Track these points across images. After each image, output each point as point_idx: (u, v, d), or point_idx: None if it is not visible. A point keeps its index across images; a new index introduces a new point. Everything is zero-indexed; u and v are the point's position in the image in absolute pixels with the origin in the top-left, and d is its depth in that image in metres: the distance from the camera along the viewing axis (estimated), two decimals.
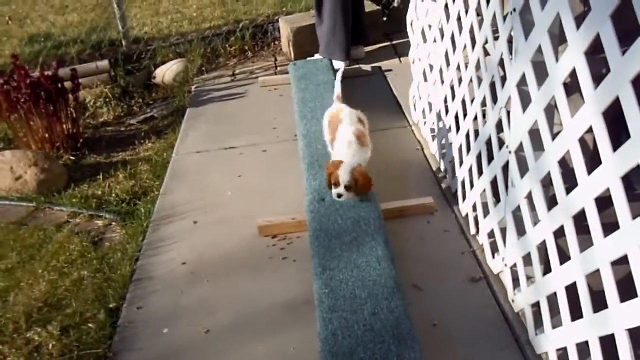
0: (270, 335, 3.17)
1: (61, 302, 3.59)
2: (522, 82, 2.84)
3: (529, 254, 2.91)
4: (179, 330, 3.28)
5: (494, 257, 3.46)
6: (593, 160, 2.23)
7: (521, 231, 3.02)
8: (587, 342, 2.39)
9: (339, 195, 3.58)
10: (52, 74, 5.42)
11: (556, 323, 2.68)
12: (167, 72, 6.96)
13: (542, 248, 2.79)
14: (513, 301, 3.20)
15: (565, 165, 2.59)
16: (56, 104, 5.42)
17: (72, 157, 5.54)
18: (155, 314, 3.42)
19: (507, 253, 3.22)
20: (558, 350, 2.70)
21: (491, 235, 3.48)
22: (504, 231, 3.27)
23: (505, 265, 3.26)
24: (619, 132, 2.11)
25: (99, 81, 6.77)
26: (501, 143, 3.23)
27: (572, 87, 2.47)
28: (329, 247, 3.38)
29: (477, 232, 3.73)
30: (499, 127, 3.25)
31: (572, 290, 2.49)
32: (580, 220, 2.38)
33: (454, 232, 3.88)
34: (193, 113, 6.01)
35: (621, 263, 2.10)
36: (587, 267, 2.33)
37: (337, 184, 3.57)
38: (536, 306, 2.91)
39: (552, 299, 2.72)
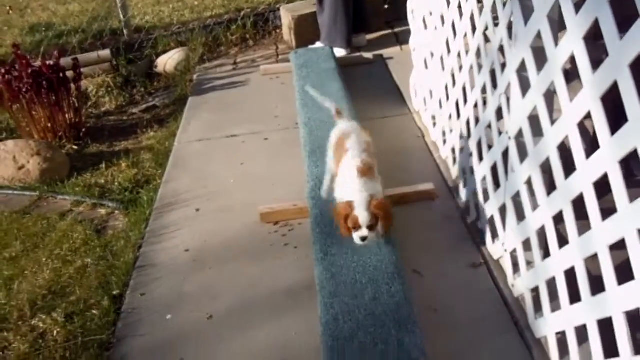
0: (272, 320, 3.20)
1: (65, 290, 3.62)
2: (522, 68, 2.85)
3: (529, 239, 2.93)
4: (182, 316, 3.32)
5: (493, 242, 3.48)
6: (592, 147, 2.24)
7: (521, 216, 3.04)
8: (585, 326, 2.41)
9: (363, 239, 3.09)
10: (53, 63, 5.43)
11: (555, 307, 2.70)
12: (168, 61, 6.97)
13: (542, 233, 2.81)
14: (513, 286, 3.22)
15: (564, 153, 2.60)
16: (58, 93, 5.44)
17: (74, 146, 5.56)
18: (159, 300, 3.46)
19: (506, 238, 3.24)
20: (557, 334, 2.73)
21: (491, 221, 3.50)
22: (504, 217, 3.29)
23: (505, 251, 3.28)
24: (619, 123, 2.12)
25: (101, 70, 6.79)
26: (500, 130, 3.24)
27: (572, 74, 2.48)
28: (330, 233, 3.40)
29: (477, 218, 3.74)
30: (499, 114, 3.26)
31: (570, 274, 2.51)
32: (579, 206, 2.40)
33: (454, 218, 3.90)
34: (195, 102, 6.02)
35: (619, 248, 2.13)
36: (586, 251, 2.35)
37: (357, 226, 3.07)
38: (535, 291, 2.93)
39: (551, 284, 2.74)
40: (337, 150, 3.49)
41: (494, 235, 3.48)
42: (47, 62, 5.40)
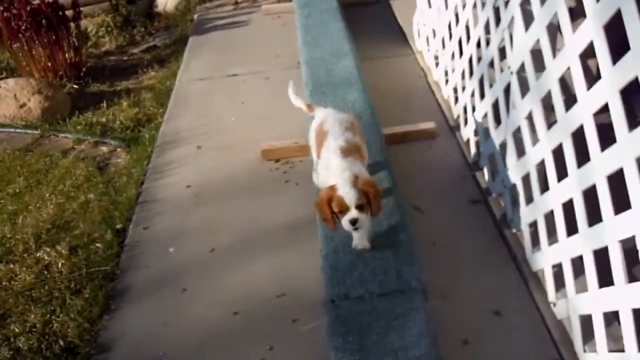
0: (273, 253, 3.25)
1: (69, 224, 3.66)
2: (525, 1, 2.82)
3: (528, 174, 2.95)
4: (185, 248, 3.37)
5: (494, 180, 3.50)
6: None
7: (521, 152, 3.05)
8: (581, 259, 2.44)
9: (354, 222, 2.62)
10: (52, 1, 5.37)
11: (552, 242, 2.74)
12: (169, 0, 6.87)
13: (541, 170, 2.82)
14: (511, 221, 3.25)
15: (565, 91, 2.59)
16: (57, 32, 5.40)
17: (75, 86, 5.54)
18: (161, 233, 3.51)
19: (506, 174, 3.26)
20: (553, 266, 2.77)
21: (491, 158, 3.51)
22: (504, 154, 3.30)
23: (505, 187, 3.30)
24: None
25: (100, 10, 6.72)
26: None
27: (576, 12, 2.45)
28: None
29: (478, 156, 3.76)
30: (502, 51, 3.24)
31: (568, 208, 2.54)
32: (578, 139, 2.41)
33: (455, 156, 3.92)
34: (195, 41, 5.98)
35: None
36: (584, 182, 2.37)
37: (343, 209, 2.62)
38: (533, 225, 2.96)
39: (549, 219, 2.77)
40: (318, 136, 3.09)
41: (494, 172, 3.49)
42: (46, 0, 5.33)
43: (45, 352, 2.81)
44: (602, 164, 2.20)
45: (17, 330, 2.94)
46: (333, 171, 2.75)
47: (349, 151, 2.82)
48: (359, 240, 2.83)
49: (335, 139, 2.88)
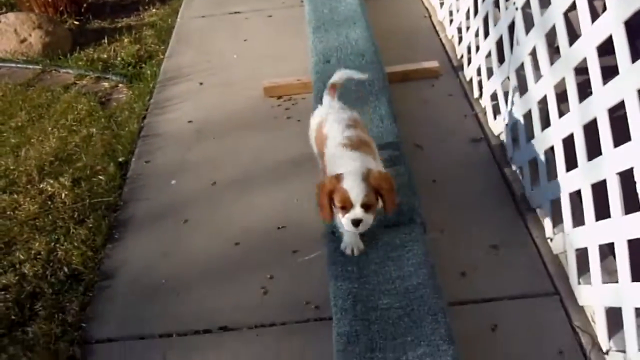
0: (274, 187, 3.28)
1: (71, 157, 3.69)
2: None
3: (530, 111, 2.95)
4: (186, 181, 3.40)
5: (495, 118, 3.50)
6: None
7: (523, 89, 3.04)
8: (579, 196, 2.46)
9: (356, 223, 2.25)
10: None
11: (551, 178, 2.76)
12: None
13: (543, 109, 2.82)
14: (511, 159, 3.27)
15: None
16: None
17: (75, 22, 5.49)
18: (163, 167, 3.53)
19: (508, 112, 3.26)
20: (552, 202, 2.79)
21: (493, 97, 3.51)
22: (506, 92, 3.29)
23: (506, 125, 3.31)
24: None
25: None
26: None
27: None
28: None
29: (480, 95, 3.75)
30: None
31: (568, 144, 2.55)
32: (581, 74, 2.40)
33: (457, 96, 3.91)
34: None
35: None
36: (585, 116, 2.37)
37: (346, 205, 2.24)
38: (533, 163, 2.98)
39: (549, 156, 2.79)
40: (318, 137, 2.79)
41: (496, 111, 3.49)
42: None
43: (50, 278, 2.87)
44: (603, 96, 2.20)
45: (22, 257, 2.99)
46: (341, 162, 2.37)
47: (355, 145, 2.46)
48: (353, 240, 2.52)
49: (336, 138, 2.53)
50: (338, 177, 2.24)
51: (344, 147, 2.42)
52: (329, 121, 2.67)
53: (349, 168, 2.27)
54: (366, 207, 2.22)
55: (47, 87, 4.50)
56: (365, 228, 2.29)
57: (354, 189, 2.20)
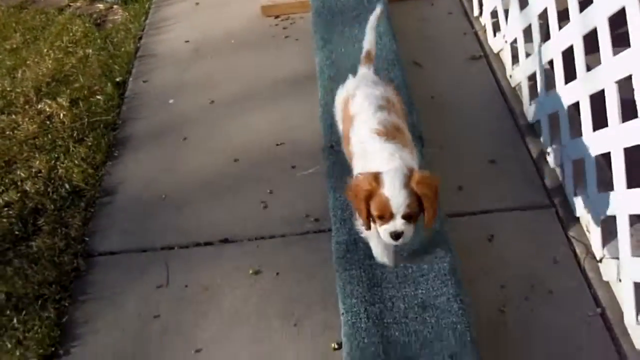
0: (273, 105, 3.28)
1: (68, 78, 3.67)
2: None
3: (530, 26, 2.91)
4: (184, 100, 3.40)
5: (495, 35, 3.47)
6: None
7: (523, 4, 3.00)
8: (577, 109, 2.46)
9: (397, 236, 1.92)
10: None
11: (550, 93, 2.75)
12: None
13: (544, 24, 2.78)
14: (510, 76, 3.26)
15: None
16: None
17: None
18: (161, 86, 3.52)
19: (508, 28, 3.22)
20: (549, 115, 2.79)
21: (494, 14, 3.46)
22: (506, 8, 3.25)
23: (506, 42, 3.28)
24: None
25: None
26: None
27: None
28: (332, 22, 3.38)
29: (480, 13, 3.70)
30: None
31: (567, 57, 2.54)
32: None
33: (456, 14, 3.85)
34: None
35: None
36: (586, 26, 2.34)
37: (385, 215, 1.91)
38: (532, 79, 2.96)
39: (548, 72, 2.77)
40: (346, 114, 2.37)
41: (496, 28, 3.45)
42: None
43: (52, 195, 2.90)
44: (603, 2, 2.17)
45: (23, 175, 3.01)
46: (374, 156, 2.04)
47: (392, 134, 2.10)
48: (385, 253, 2.21)
49: (366, 122, 2.17)
50: (377, 179, 1.90)
51: (378, 136, 2.08)
52: (357, 97, 2.30)
53: (387, 166, 1.95)
54: (408, 217, 1.89)
55: (41, 9, 4.45)
56: (406, 241, 1.96)
57: (395, 197, 1.86)
